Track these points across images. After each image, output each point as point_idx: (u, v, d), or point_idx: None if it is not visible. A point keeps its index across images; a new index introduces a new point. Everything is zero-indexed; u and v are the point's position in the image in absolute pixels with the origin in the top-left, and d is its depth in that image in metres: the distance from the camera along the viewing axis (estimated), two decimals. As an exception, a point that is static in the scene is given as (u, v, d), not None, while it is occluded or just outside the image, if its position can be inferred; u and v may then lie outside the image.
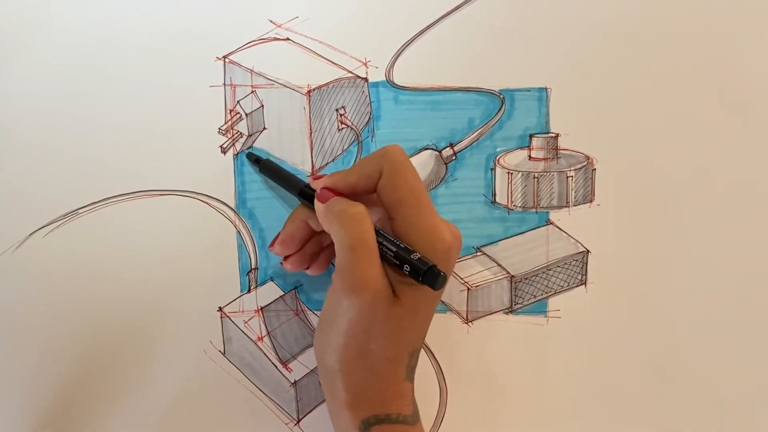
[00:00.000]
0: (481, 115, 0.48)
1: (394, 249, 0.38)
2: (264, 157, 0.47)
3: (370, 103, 0.48)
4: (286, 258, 0.44)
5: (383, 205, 0.40)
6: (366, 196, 0.41)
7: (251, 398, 0.47)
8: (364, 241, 0.38)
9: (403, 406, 0.40)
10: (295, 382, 0.47)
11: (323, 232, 0.43)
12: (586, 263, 0.48)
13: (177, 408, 0.47)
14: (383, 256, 0.39)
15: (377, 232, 0.39)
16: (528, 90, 0.48)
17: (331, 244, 0.41)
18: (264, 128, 0.48)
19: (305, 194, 0.43)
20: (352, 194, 0.41)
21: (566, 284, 0.48)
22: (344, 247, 0.38)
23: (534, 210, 0.48)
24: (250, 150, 0.47)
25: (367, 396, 0.40)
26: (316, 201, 0.41)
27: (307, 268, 0.45)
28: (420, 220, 0.39)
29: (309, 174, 0.44)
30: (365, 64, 0.47)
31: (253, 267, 0.47)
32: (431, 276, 0.37)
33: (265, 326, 0.47)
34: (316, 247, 0.45)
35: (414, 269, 0.37)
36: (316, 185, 0.42)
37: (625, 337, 0.48)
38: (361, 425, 0.40)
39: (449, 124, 0.48)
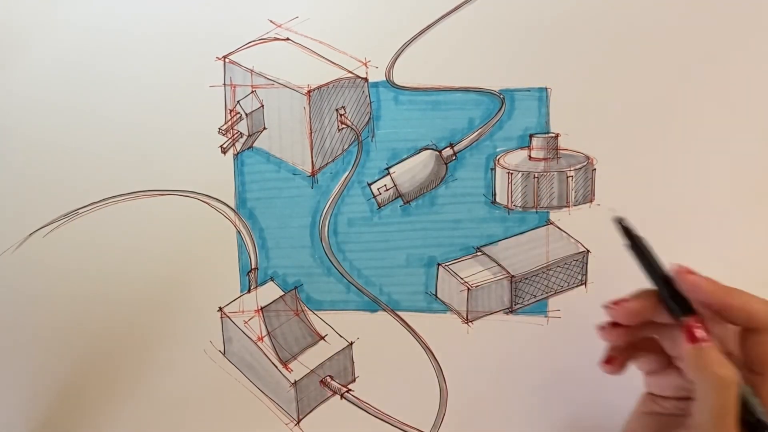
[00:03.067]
0: (481, 115, 0.48)
1: None
2: (258, 158, 0.47)
3: (370, 103, 0.48)
4: (618, 363, 0.41)
5: (750, 359, 0.37)
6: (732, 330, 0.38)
7: (251, 398, 0.47)
8: (728, 412, 0.35)
9: None
10: (295, 382, 0.47)
11: (671, 327, 0.39)
12: (586, 263, 0.48)
13: (177, 408, 0.47)
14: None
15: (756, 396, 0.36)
16: (528, 90, 0.48)
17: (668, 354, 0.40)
18: (264, 128, 0.48)
19: (674, 298, 0.39)
20: (719, 315, 0.38)
21: (566, 284, 0.48)
22: (708, 411, 0.36)
23: (534, 210, 0.48)
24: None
25: None
26: (684, 338, 0.37)
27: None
28: None
29: (676, 267, 0.39)
30: (365, 64, 0.47)
31: (253, 267, 0.47)
32: None
33: (265, 326, 0.47)
34: (649, 342, 0.41)
35: None
36: (690, 285, 0.38)
37: (625, 337, 0.48)
38: None
39: (449, 124, 0.48)
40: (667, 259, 0.48)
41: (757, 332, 0.37)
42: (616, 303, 0.40)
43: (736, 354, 0.38)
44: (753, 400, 0.36)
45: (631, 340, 0.41)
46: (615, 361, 0.41)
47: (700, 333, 0.37)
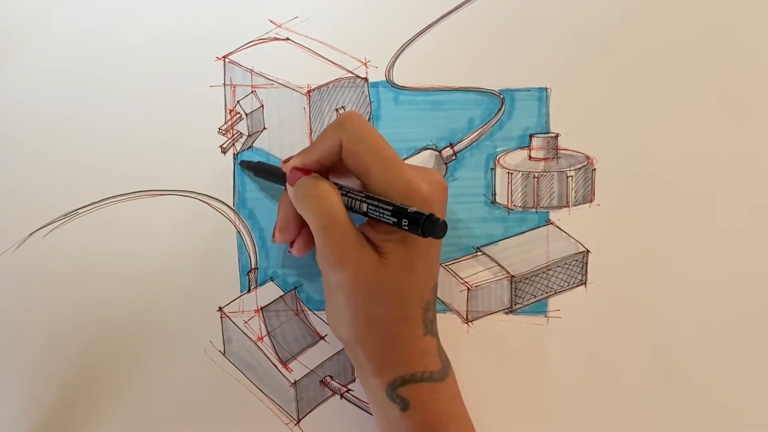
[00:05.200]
0: (481, 115, 0.48)
1: (390, 207, 0.37)
2: (257, 159, 0.47)
3: (370, 103, 0.48)
4: (291, 245, 0.44)
5: (353, 173, 0.40)
6: (338, 165, 0.41)
7: (251, 398, 0.47)
8: (333, 218, 0.38)
9: (428, 363, 0.41)
10: (295, 382, 0.47)
11: None
12: (586, 263, 0.48)
13: (177, 408, 0.47)
14: (375, 218, 0.38)
15: (367, 196, 0.39)
16: (528, 90, 0.48)
17: None
18: (264, 128, 0.48)
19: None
20: (321, 169, 0.41)
21: (566, 284, 0.48)
22: (317, 229, 0.39)
23: (534, 210, 0.48)
24: (242, 156, 0.47)
25: (388, 359, 0.40)
26: (287, 184, 0.41)
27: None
28: (392, 179, 0.39)
29: (281, 165, 0.44)
30: (365, 64, 0.47)
31: (253, 267, 0.47)
32: (430, 225, 0.36)
33: (265, 326, 0.47)
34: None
35: (412, 222, 0.36)
36: (286, 168, 0.42)
37: (625, 337, 0.48)
38: (388, 389, 0.40)
39: (449, 124, 0.48)
40: (668, 257, 0.48)
41: (345, 157, 0.40)
42: (273, 236, 0.44)
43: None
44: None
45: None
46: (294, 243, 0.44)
47: (294, 173, 0.40)
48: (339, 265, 0.39)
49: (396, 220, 0.37)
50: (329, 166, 0.41)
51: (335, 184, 0.41)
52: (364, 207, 0.39)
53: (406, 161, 0.48)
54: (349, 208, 0.39)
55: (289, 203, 0.42)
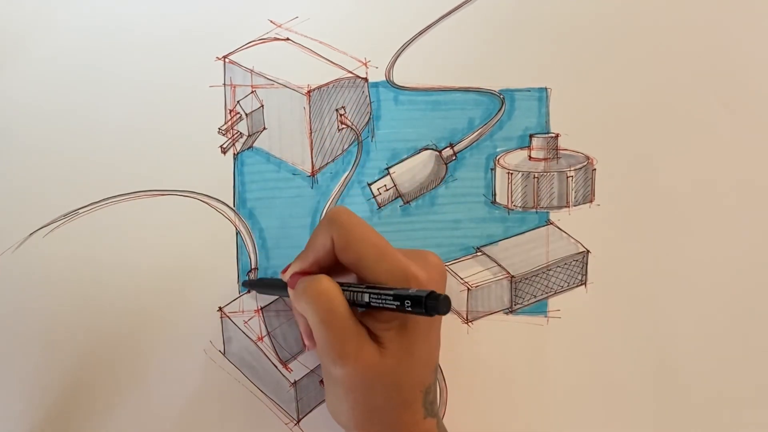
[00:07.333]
0: (481, 115, 0.48)
1: (392, 292, 0.37)
2: (257, 158, 0.47)
3: (370, 103, 0.48)
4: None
5: (349, 268, 0.40)
6: (336, 266, 0.40)
7: (251, 398, 0.47)
8: (332, 312, 0.38)
9: None
10: (295, 382, 0.47)
11: None
12: (586, 263, 0.48)
13: (177, 408, 0.47)
14: (378, 306, 0.38)
15: (368, 287, 0.38)
16: (528, 90, 0.48)
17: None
18: (264, 128, 0.48)
19: None
20: (319, 270, 0.41)
21: (566, 284, 0.48)
22: (315, 323, 0.38)
23: (534, 210, 0.48)
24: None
25: None
26: (288, 290, 0.41)
27: None
28: (387, 267, 0.38)
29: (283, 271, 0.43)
30: (365, 64, 0.47)
31: (253, 267, 0.47)
32: (432, 302, 0.35)
33: (265, 326, 0.47)
34: None
35: (415, 303, 0.36)
36: (285, 276, 0.42)
37: (625, 337, 0.48)
38: None
39: (449, 124, 0.48)
40: (668, 257, 0.48)
41: (338, 252, 0.39)
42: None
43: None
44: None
45: None
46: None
47: (295, 279, 0.40)
48: (339, 361, 0.38)
49: (399, 303, 0.36)
50: (326, 266, 0.41)
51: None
52: (366, 297, 0.38)
53: (405, 161, 0.48)
54: (353, 303, 0.39)
55: None
